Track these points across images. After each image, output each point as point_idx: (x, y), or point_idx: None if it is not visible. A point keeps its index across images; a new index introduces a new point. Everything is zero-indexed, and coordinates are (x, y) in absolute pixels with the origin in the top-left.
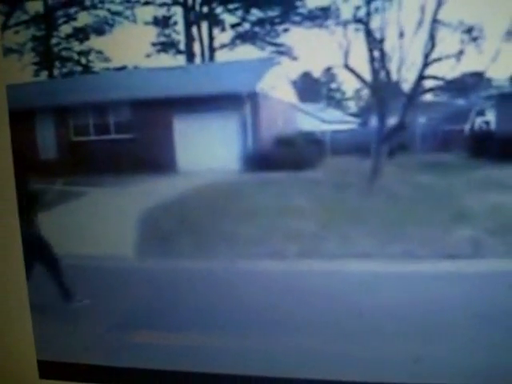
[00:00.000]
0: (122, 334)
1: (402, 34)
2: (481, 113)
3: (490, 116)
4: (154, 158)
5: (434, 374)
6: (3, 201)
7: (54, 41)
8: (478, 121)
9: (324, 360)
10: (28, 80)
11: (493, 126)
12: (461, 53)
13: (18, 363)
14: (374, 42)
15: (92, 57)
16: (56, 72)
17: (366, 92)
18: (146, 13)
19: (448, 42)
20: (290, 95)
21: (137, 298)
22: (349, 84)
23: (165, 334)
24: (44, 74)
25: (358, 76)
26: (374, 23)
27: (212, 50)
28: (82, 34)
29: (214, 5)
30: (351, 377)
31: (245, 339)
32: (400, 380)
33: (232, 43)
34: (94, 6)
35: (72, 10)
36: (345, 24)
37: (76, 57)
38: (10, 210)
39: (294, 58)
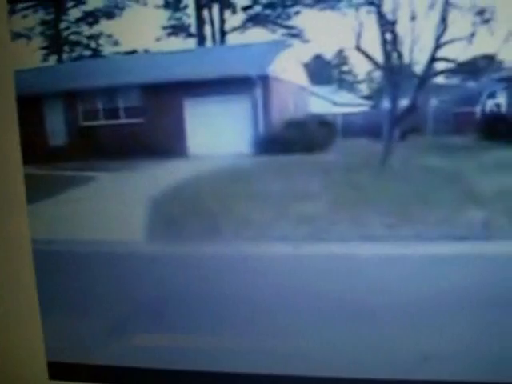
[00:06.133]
0: (131, 334)
1: (413, 17)
2: (492, 95)
3: (501, 98)
4: (164, 142)
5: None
6: (11, 195)
7: (63, 25)
8: (489, 103)
9: (336, 354)
10: (37, 65)
11: (504, 108)
12: (472, 35)
13: (28, 364)
14: (386, 25)
15: (102, 41)
16: (65, 56)
17: (377, 74)
18: None
19: (460, 24)
20: (301, 78)
21: (145, 288)
22: (361, 66)
23: (174, 335)
24: (53, 59)
25: (369, 58)
26: (386, 6)
27: (223, 32)
28: (91, 17)
29: None
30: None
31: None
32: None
33: (243, 26)
34: None
35: None
36: (357, 6)
37: (85, 41)
38: (19, 205)
39: (306, 41)
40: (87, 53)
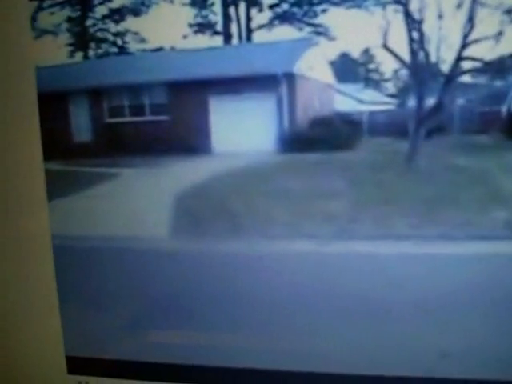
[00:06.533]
0: (149, 330)
1: (440, 16)
2: None
3: None
4: (188, 139)
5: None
6: (32, 191)
7: (89, 22)
8: None
9: (355, 352)
10: (63, 61)
11: None
12: (500, 34)
13: (47, 359)
14: (413, 23)
15: (128, 38)
16: (91, 53)
17: (404, 73)
18: None
19: (487, 23)
20: (327, 76)
21: (164, 285)
22: (387, 65)
23: (193, 332)
24: (79, 56)
25: (396, 57)
26: (413, 4)
27: (249, 30)
28: (117, 14)
29: None
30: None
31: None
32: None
33: (270, 24)
34: None
35: None
36: (384, 5)
37: (112, 38)
38: (39, 201)
39: (332, 39)
40: (113, 50)
